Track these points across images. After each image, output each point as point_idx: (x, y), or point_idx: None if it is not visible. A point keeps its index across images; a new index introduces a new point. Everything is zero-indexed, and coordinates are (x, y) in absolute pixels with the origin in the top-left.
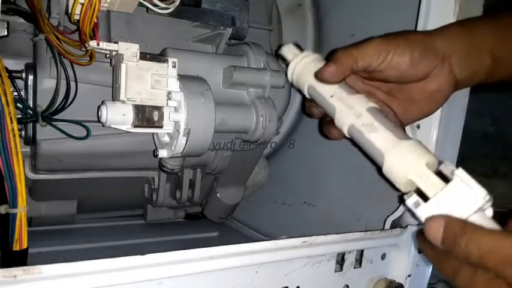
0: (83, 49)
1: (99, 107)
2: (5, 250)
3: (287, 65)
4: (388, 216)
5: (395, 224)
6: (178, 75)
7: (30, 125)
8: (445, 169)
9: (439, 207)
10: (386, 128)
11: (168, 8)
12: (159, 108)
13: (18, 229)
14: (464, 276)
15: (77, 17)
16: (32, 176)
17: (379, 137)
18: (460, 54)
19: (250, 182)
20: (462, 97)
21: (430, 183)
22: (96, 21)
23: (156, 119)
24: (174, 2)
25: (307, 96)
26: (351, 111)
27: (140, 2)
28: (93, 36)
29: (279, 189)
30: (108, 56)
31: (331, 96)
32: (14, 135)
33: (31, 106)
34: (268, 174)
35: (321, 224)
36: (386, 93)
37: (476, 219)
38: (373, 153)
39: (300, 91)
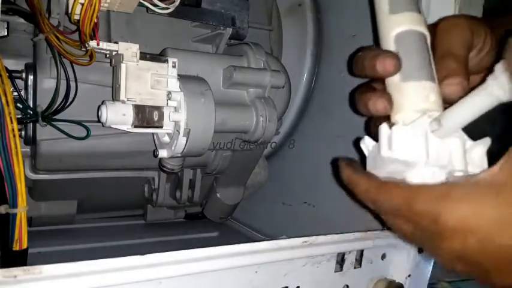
0: (83, 49)
1: (99, 107)
2: (5, 250)
3: None
4: None
5: None
6: (178, 75)
7: (30, 125)
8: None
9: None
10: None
11: (168, 8)
12: (159, 108)
13: (18, 229)
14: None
15: (77, 17)
16: (32, 176)
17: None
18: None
19: (250, 182)
20: None
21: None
22: (96, 21)
23: (156, 119)
24: (174, 2)
25: None
26: None
27: (140, 2)
28: (93, 36)
29: (279, 189)
30: (108, 56)
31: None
32: (14, 135)
33: (31, 106)
34: (268, 174)
35: (321, 224)
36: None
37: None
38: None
39: None
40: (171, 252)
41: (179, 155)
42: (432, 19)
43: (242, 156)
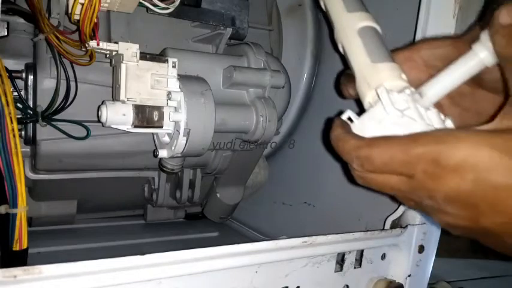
0: (83, 49)
1: (99, 107)
2: (5, 250)
3: None
4: (388, 216)
5: (395, 224)
6: (178, 75)
7: (30, 125)
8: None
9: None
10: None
11: (168, 8)
12: (159, 108)
13: (18, 229)
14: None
15: (77, 17)
16: (32, 176)
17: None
18: None
19: (250, 182)
20: None
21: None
22: (96, 21)
23: (156, 119)
24: (174, 2)
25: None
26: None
27: (140, 2)
28: (93, 36)
29: (279, 189)
30: (108, 56)
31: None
32: (14, 135)
33: (31, 106)
34: (268, 174)
35: (321, 224)
36: (448, 98)
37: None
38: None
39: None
40: (171, 252)
41: (179, 155)
42: (432, 19)
43: (242, 156)
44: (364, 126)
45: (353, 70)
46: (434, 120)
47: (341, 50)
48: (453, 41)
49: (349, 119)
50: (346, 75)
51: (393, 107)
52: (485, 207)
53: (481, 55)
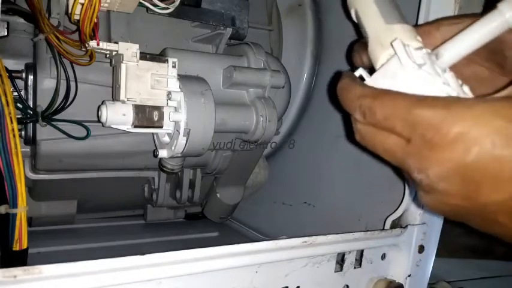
0: (83, 49)
1: (99, 107)
2: (5, 250)
3: None
4: (388, 216)
5: (395, 224)
6: (178, 75)
7: (30, 125)
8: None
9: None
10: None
11: (168, 8)
12: (159, 108)
13: (18, 229)
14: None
15: (77, 17)
16: (32, 176)
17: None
18: None
19: (250, 182)
20: None
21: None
22: (96, 21)
23: (156, 119)
24: (174, 2)
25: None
26: None
27: (140, 2)
28: (93, 36)
29: (279, 189)
30: (108, 56)
31: None
32: (14, 135)
33: (31, 106)
34: (268, 174)
35: (321, 224)
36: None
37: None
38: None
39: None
40: (171, 252)
41: (179, 155)
42: (432, 18)
43: (242, 156)
44: (377, 84)
45: (366, 35)
46: (452, 82)
47: (353, 16)
48: (474, 20)
49: (361, 77)
50: (359, 43)
51: (409, 59)
52: (487, 183)
53: (507, 15)
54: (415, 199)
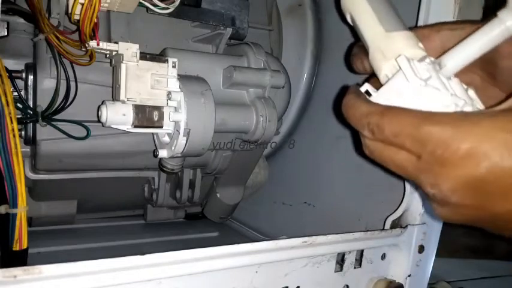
0: (83, 49)
1: (99, 107)
2: (5, 250)
3: None
4: (388, 216)
5: (395, 224)
6: (178, 75)
7: (30, 125)
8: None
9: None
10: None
11: (168, 8)
12: (159, 108)
13: (18, 229)
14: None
15: (77, 17)
16: (32, 176)
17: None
18: None
19: (250, 182)
20: None
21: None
22: (96, 21)
23: (156, 119)
24: (174, 2)
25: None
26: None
27: (140, 2)
28: (93, 36)
29: (279, 189)
30: (108, 56)
31: None
32: (14, 135)
33: (31, 106)
34: (268, 174)
35: (321, 224)
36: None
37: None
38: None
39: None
40: (171, 252)
41: (179, 155)
42: (432, 20)
43: (242, 156)
44: (383, 100)
45: (365, 41)
46: (458, 90)
47: (349, 20)
48: (473, 26)
49: (367, 92)
50: (357, 46)
51: (415, 76)
52: (498, 193)
53: (508, 23)
54: (425, 202)
